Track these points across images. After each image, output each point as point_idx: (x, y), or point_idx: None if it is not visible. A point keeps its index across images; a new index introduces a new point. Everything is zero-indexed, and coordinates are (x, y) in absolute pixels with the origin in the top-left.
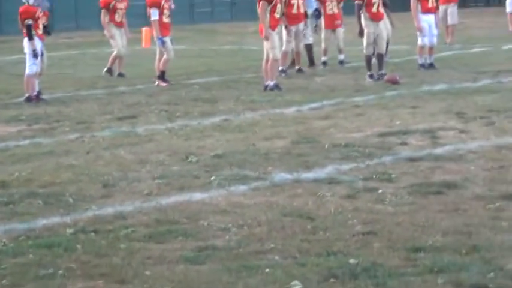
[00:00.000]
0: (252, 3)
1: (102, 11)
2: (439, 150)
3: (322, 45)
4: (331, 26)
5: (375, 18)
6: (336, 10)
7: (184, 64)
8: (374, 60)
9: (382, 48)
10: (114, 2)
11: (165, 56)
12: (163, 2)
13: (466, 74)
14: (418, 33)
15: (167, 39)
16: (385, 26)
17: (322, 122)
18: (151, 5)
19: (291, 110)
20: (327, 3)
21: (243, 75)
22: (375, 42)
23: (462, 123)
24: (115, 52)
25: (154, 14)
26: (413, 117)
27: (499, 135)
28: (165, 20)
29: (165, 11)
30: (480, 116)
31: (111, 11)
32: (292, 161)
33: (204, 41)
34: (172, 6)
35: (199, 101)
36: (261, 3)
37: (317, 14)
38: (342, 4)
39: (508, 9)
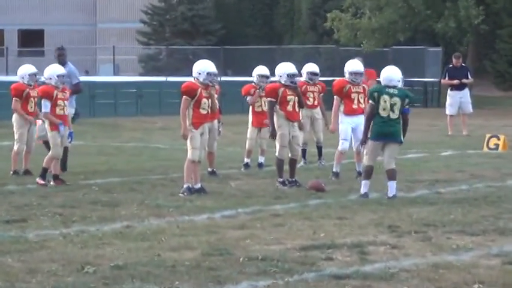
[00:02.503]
0: (161, 96)
1: (14, 99)
2: (368, 268)
3: (247, 146)
4: (259, 125)
5: (291, 117)
6: (265, 108)
7: (83, 162)
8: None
9: (297, 152)
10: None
11: (50, 153)
12: (55, 92)
13: (400, 182)
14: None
15: (55, 133)
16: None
17: (236, 232)
18: (43, 96)
19: (201, 218)
20: (256, 99)
21: (148, 177)
22: (290, 144)
23: (394, 238)
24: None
25: (45, 106)
26: (340, 230)
27: (436, 253)
28: (59, 112)
29: (59, 102)
30: (415, 230)
31: (24, 99)
32: (202, 275)
33: (105, 136)
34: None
35: (98, 205)
36: (183, 98)
37: None
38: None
39: (447, 112)
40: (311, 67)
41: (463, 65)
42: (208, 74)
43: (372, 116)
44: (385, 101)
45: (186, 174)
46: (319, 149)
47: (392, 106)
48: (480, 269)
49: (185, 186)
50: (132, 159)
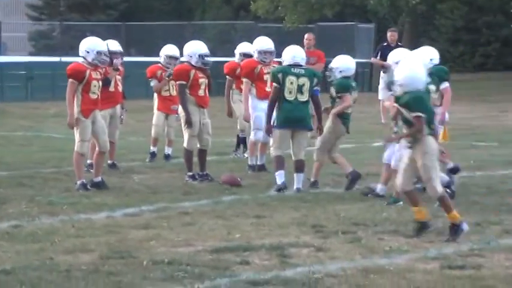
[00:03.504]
0: (54, 78)
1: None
2: (289, 273)
3: (152, 133)
4: (166, 110)
5: (202, 103)
6: (173, 92)
7: None
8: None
9: (207, 142)
10: None
11: None
12: None
13: (325, 176)
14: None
15: None
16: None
17: (140, 232)
18: None
19: (100, 216)
20: (162, 82)
21: (39, 170)
22: (199, 134)
23: (319, 239)
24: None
25: None
26: (257, 230)
27: (366, 256)
28: None
29: None
30: (342, 230)
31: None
32: (100, 280)
33: None
34: None
35: None
36: (69, 81)
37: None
38: None
39: (380, 96)
40: (263, 43)
41: (399, 44)
42: (200, 56)
43: (276, 100)
44: (291, 83)
45: (76, 170)
46: (244, 139)
47: (300, 87)
48: (416, 274)
49: (79, 182)
50: (21, 150)
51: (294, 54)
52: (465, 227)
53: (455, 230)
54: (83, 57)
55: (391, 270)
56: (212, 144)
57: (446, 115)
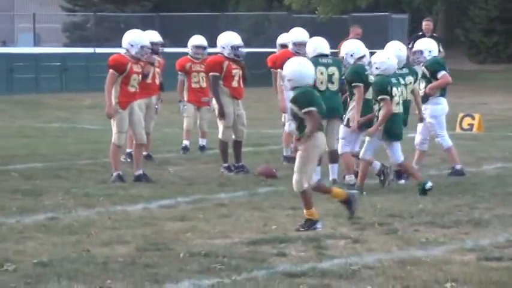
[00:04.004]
0: (88, 70)
1: None
2: (326, 264)
3: (184, 126)
4: (197, 103)
5: (236, 94)
6: (204, 84)
7: (0, 145)
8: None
9: (242, 133)
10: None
11: None
12: None
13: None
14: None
15: None
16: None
17: (176, 224)
18: None
19: (136, 208)
20: (192, 74)
21: (75, 162)
22: (234, 125)
23: (356, 231)
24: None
25: None
26: (293, 221)
27: (403, 247)
28: None
29: None
30: (379, 222)
31: None
32: (137, 272)
33: (25, 116)
34: None
35: (19, 193)
36: (110, 71)
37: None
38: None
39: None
40: (298, 34)
41: (434, 34)
42: (233, 47)
43: None
44: (321, 73)
45: (113, 161)
46: None
47: (330, 77)
48: (453, 265)
49: (114, 174)
50: (57, 142)
51: (315, 45)
52: (319, 226)
53: (309, 224)
54: (126, 49)
55: (427, 261)
56: (247, 136)
57: (446, 107)
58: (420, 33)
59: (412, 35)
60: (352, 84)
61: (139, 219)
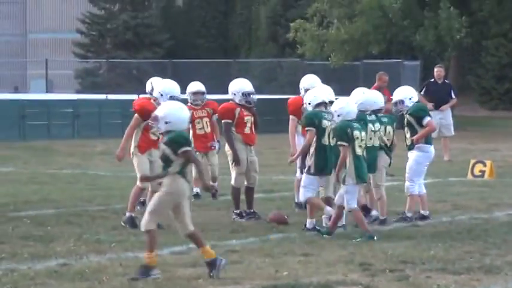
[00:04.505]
0: (101, 116)
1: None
2: None
3: (193, 173)
4: (204, 149)
5: (248, 141)
6: (208, 129)
7: (12, 191)
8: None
9: (254, 180)
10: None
11: None
12: None
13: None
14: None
15: None
16: None
17: (188, 271)
18: None
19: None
20: (196, 121)
21: (86, 208)
22: (247, 171)
23: (367, 277)
24: None
25: None
26: (305, 268)
27: None
28: None
29: None
30: (390, 268)
31: None
32: None
33: (37, 162)
34: None
35: (30, 240)
36: (135, 116)
37: None
38: (215, 118)
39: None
40: (310, 81)
41: (446, 81)
42: (244, 94)
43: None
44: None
45: (131, 202)
46: None
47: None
48: None
49: (128, 214)
50: (68, 188)
51: (315, 95)
52: (155, 274)
53: (213, 264)
54: (154, 97)
55: None
56: (259, 182)
57: (432, 154)
58: (432, 80)
59: (424, 81)
60: (306, 129)
61: None
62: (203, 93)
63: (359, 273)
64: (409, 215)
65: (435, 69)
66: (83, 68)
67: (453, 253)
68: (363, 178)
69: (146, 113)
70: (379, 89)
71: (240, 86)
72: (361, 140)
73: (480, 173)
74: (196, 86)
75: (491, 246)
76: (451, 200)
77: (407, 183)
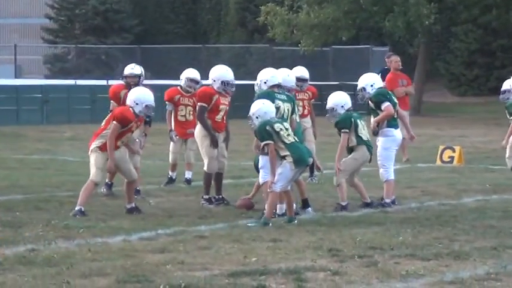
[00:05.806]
0: (70, 102)
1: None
2: None
3: (170, 160)
4: (182, 135)
5: (218, 128)
6: (190, 117)
7: None
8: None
9: (223, 165)
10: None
11: None
12: None
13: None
14: None
15: None
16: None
17: (156, 256)
18: None
19: (116, 240)
20: (179, 107)
21: (55, 194)
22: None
23: (336, 263)
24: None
25: None
26: (274, 254)
27: (383, 280)
28: None
29: None
30: (359, 254)
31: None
32: None
33: (5, 148)
34: None
35: None
36: (114, 123)
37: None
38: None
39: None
40: (299, 72)
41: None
42: (223, 82)
43: None
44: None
45: (82, 196)
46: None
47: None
48: None
49: (77, 208)
50: (37, 174)
51: (273, 75)
52: None
53: None
54: (130, 106)
55: None
56: (227, 168)
57: (398, 137)
58: (386, 67)
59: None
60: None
61: (119, 251)
62: (197, 82)
63: (328, 259)
64: (387, 200)
65: (393, 59)
66: (51, 53)
67: (422, 239)
68: (305, 161)
69: (126, 122)
70: (395, 72)
71: (220, 73)
72: (286, 130)
73: (449, 159)
74: (193, 73)
75: (460, 232)
76: (420, 186)
77: (381, 170)
